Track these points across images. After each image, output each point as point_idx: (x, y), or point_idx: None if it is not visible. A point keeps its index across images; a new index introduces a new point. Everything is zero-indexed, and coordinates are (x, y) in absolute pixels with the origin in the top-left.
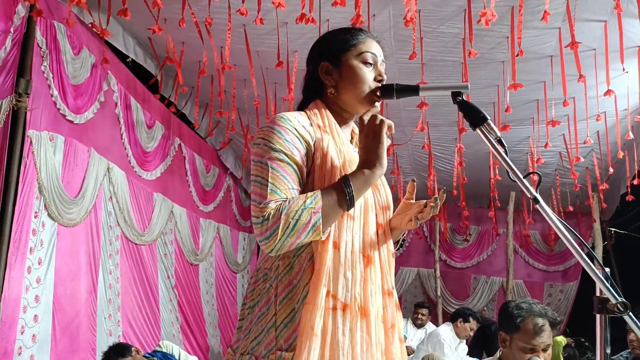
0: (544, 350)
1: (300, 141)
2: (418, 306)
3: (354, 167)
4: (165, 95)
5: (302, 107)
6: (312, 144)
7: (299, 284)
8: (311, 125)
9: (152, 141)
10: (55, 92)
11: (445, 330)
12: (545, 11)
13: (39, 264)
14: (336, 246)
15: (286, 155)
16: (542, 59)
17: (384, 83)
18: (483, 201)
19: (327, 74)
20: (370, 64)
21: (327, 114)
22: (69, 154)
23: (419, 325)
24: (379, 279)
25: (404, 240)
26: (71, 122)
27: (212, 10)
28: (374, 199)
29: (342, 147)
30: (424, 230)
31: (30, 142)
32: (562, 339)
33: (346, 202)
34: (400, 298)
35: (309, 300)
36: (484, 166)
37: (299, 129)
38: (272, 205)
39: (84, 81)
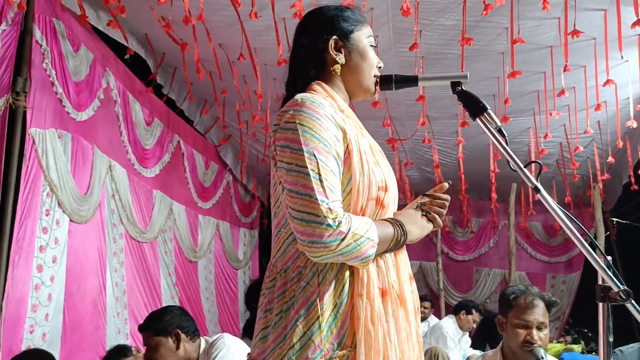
0: (539, 328)
1: (337, 129)
2: (420, 299)
3: (380, 156)
4: (164, 92)
5: (297, 87)
6: (347, 131)
7: (338, 278)
8: (336, 110)
9: (150, 138)
10: (60, 89)
11: (448, 323)
12: (545, 1)
13: (53, 262)
14: None
15: (330, 146)
16: (542, 50)
17: (382, 74)
18: (484, 193)
19: (337, 49)
20: (375, 47)
21: (338, 97)
22: (77, 151)
23: (421, 319)
24: (407, 264)
25: None
26: (75, 119)
27: (209, 8)
28: (395, 186)
29: (363, 132)
30: None
31: (33, 140)
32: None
33: (394, 246)
34: None
35: (358, 292)
36: (485, 158)
37: (334, 115)
38: (341, 213)
39: (84, 78)
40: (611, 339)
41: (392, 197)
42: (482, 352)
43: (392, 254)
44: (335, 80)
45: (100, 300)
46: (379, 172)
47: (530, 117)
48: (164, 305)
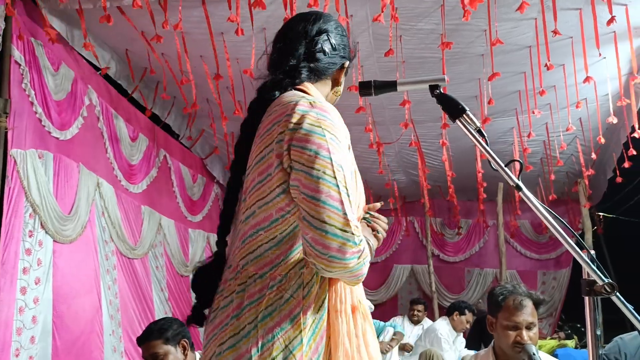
0: (528, 328)
1: (348, 141)
2: (414, 302)
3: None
4: (146, 107)
5: (292, 78)
6: (350, 147)
7: (319, 292)
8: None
9: (136, 154)
10: (39, 109)
11: (442, 325)
12: (523, 1)
13: (36, 283)
14: None
15: (348, 160)
16: (521, 50)
17: (362, 81)
18: (472, 194)
19: (343, 74)
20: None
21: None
22: (60, 170)
23: (415, 322)
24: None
25: None
26: (57, 138)
27: (189, 20)
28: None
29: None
30: (415, 227)
31: (15, 161)
32: (554, 342)
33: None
34: (395, 295)
35: (336, 308)
36: (471, 159)
37: (344, 130)
38: (360, 235)
39: (66, 97)
40: (599, 332)
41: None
42: (476, 352)
43: None
44: (320, 89)
45: (97, 320)
46: (361, 186)
47: (512, 117)
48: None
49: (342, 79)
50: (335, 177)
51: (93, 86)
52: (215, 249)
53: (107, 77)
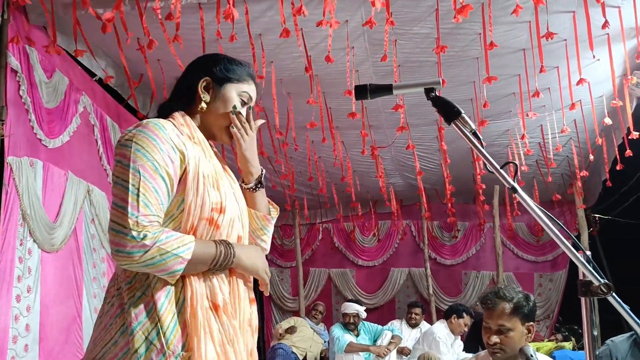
0: (499, 331)
1: (174, 151)
2: (411, 306)
3: (223, 180)
4: (143, 113)
5: (163, 113)
6: (185, 154)
7: (173, 288)
8: (181, 134)
9: None
10: (33, 117)
11: (440, 328)
12: (517, 5)
13: (28, 291)
14: None
15: (159, 166)
16: (515, 53)
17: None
18: (468, 197)
19: (205, 89)
20: (245, 103)
21: (194, 126)
22: (48, 178)
23: (413, 325)
24: (242, 287)
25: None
26: (47, 146)
27: (185, 27)
28: (238, 210)
29: (211, 160)
30: (412, 230)
31: (11, 168)
32: (551, 345)
33: (214, 266)
34: (393, 299)
35: (191, 303)
36: (467, 162)
37: (174, 138)
38: (149, 227)
39: (59, 104)
40: (596, 333)
41: (229, 220)
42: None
43: (227, 275)
44: (198, 115)
45: (75, 329)
46: (215, 194)
47: (508, 120)
48: None
49: (207, 94)
50: (128, 181)
51: (87, 93)
52: None
53: (101, 83)
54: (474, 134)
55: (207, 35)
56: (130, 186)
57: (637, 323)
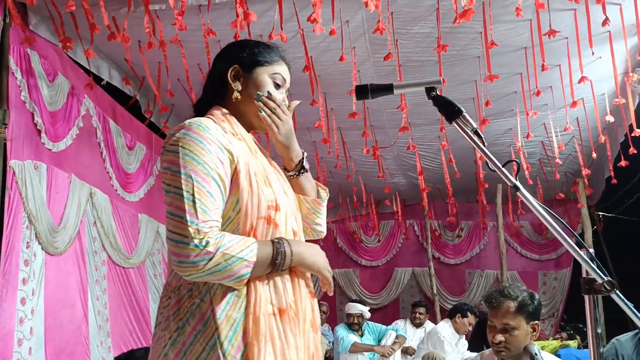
0: (504, 330)
1: (222, 152)
2: (415, 305)
3: (272, 175)
4: (146, 116)
5: (199, 111)
6: (234, 153)
7: (236, 294)
8: (225, 132)
9: (134, 162)
10: (38, 121)
11: (444, 327)
12: (518, 7)
13: (32, 295)
14: None
15: (211, 168)
16: (517, 51)
17: (358, 85)
18: (471, 196)
19: (235, 78)
20: (279, 86)
21: (235, 120)
22: (52, 181)
23: (417, 325)
24: (305, 281)
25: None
26: (51, 149)
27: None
28: (289, 203)
29: (257, 155)
30: (416, 230)
31: (14, 172)
32: (556, 343)
33: (276, 266)
34: (397, 299)
35: (254, 309)
36: (469, 161)
37: (220, 138)
38: (210, 233)
39: (61, 107)
40: (599, 331)
41: (284, 216)
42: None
43: (289, 273)
44: (235, 107)
45: (82, 331)
46: (269, 192)
47: (510, 118)
48: (152, 331)
49: (238, 82)
50: (182, 189)
51: (90, 96)
52: None
53: (103, 86)
54: (476, 133)
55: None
56: (184, 193)
57: None
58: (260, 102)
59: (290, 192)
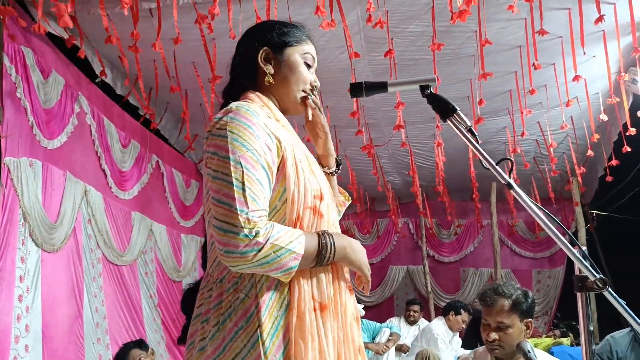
0: (498, 328)
1: (271, 138)
2: (410, 303)
3: (314, 165)
4: (140, 114)
5: (232, 95)
6: (281, 140)
7: (278, 290)
8: (269, 118)
9: (128, 160)
10: (31, 118)
11: (438, 325)
12: (511, 5)
13: (27, 292)
14: None
15: (259, 155)
16: (511, 50)
17: (352, 82)
18: (465, 194)
19: (266, 60)
20: (309, 66)
21: (273, 105)
22: (47, 179)
23: (411, 322)
24: (343, 275)
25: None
26: (46, 146)
27: (181, 27)
28: (331, 196)
29: (299, 142)
30: (410, 228)
31: (9, 169)
32: (549, 341)
33: (321, 260)
34: (391, 296)
35: (295, 305)
36: (464, 159)
37: (268, 124)
38: (260, 223)
39: (55, 105)
40: (592, 328)
41: (327, 205)
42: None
43: (330, 266)
44: (268, 91)
45: (77, 328)
46: (314, 181)
47: (505, 117)
48: (145, 328)
49: (270, 65)
50: (230, 175)
51: (84, 93)
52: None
53: (97, 83)
54: (470, 131)
55: (200, 33)
56: (234, 180)
57: (633, 317)
58: (310, 101)
59: (327, 183)
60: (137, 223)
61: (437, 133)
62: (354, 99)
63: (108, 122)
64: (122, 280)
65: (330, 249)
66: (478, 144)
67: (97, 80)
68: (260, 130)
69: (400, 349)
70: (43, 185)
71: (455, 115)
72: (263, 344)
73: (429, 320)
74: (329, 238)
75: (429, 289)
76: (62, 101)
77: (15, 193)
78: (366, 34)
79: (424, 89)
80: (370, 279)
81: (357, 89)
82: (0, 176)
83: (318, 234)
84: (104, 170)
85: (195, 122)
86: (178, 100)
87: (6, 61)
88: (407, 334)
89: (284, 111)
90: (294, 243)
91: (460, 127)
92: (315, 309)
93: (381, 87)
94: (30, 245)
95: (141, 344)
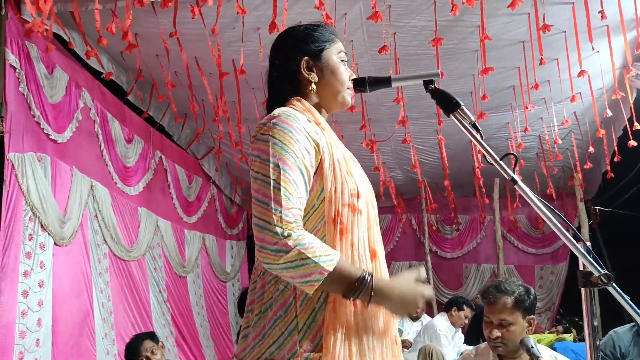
0: (501, 325)
1: (309, 142)
2: None
3: (351, 163)
4: (143, 109)
5: (277, 104)
6: (320, 144)
7: None
8: (310, 122)
9: (132, 156)
10: (37, 113)
11: (441, 321)
12: (514, 1)
13: (40, 286)
14: (352, 243)
15: (297, 158)
16: (515, 45)
17: (356, 77)
18: (468, 190)
19: (309, 69)
20: (345, 62)
21: (315, 110)
22: (56, 173)
23: (414, 318)
24: (384, 270)
25: None
26: (54, 141)
27: (181, 22)
28: (370, 193)
29: (337, 143)
30: (413, 224)
31: (12, 165)
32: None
33: (353, 291)
34: None
35: (333, 299)
36: (467, 155)
37: (308, 128)
38: (295, 227)
39: (61, 100)
40: (596, 323)
41: (365, 203)
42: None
43: (369, 261)
44: (312, 95)
45: (88, 323)
46: (350, 180)
47: (508, 112)
48: (153, 323)
49: (313, 73)
50: (269, 176)
51: (87, 89)
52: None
53: (101, 79)
54: (473, 126)
55: (201, 29)
56: (271, 181)
57: (637, 313)
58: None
59: (368, 181)
60: (144, 219)
61: (439, 129)
62: (358, 94)
63: (112, 117)
64: (130, 275)
65: (364, 288)
66: (482, 139)
67: (102, 77)
68: (300, 134)
69: (403, 345)
70: (52, 180)
71: (459, 110)
72: (299, 332)
73: (432, 316)
74: (370, 278)
75: (432, 285)
76: (67, 96)
77: (20, 189)
78: (368, 29)
79: (427, 84)
80: (413, 315)
81: (361, 84)
82: (4, 172)
83: (363, 270)
84: (109, 166)
85: (198, 117)
86: (181, 95)
87: (9, 56)
88: (410, 329)
89: (327, 110)
90: (324, 258)
91: (464, 122)
92: (355, 304)
93: (385, 82)
94: (44, 239)
95: (152, 336)
